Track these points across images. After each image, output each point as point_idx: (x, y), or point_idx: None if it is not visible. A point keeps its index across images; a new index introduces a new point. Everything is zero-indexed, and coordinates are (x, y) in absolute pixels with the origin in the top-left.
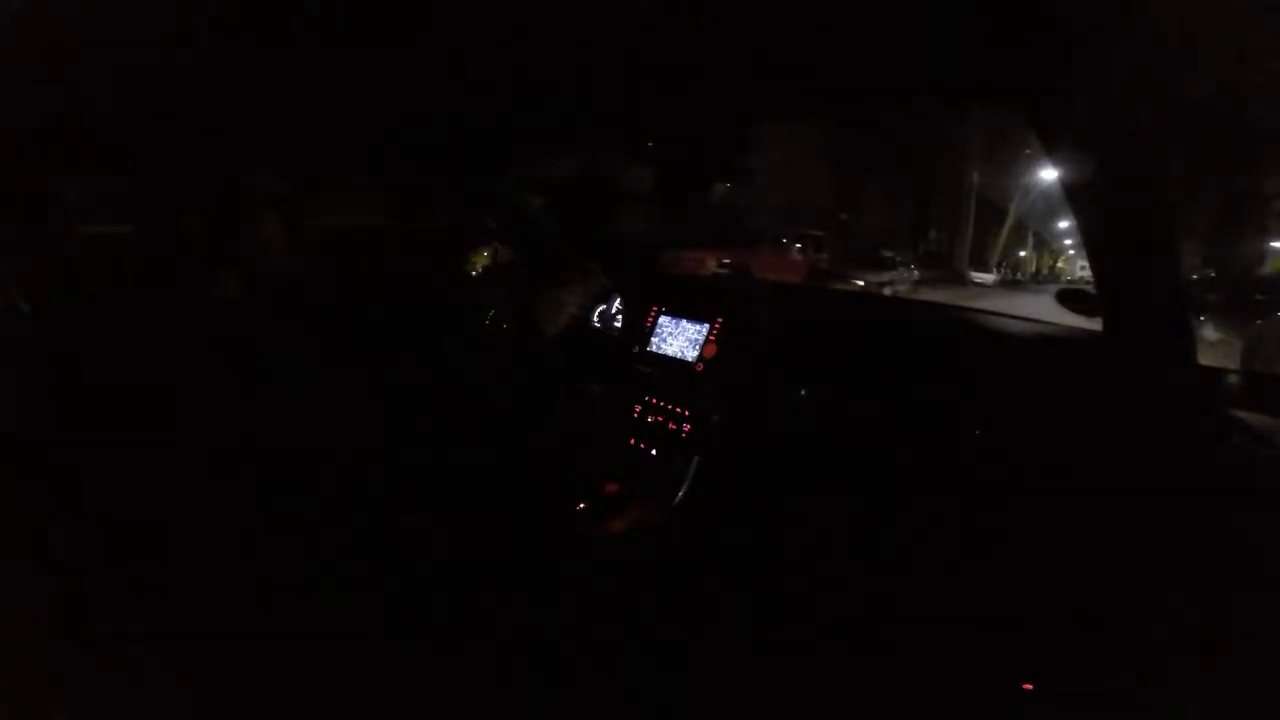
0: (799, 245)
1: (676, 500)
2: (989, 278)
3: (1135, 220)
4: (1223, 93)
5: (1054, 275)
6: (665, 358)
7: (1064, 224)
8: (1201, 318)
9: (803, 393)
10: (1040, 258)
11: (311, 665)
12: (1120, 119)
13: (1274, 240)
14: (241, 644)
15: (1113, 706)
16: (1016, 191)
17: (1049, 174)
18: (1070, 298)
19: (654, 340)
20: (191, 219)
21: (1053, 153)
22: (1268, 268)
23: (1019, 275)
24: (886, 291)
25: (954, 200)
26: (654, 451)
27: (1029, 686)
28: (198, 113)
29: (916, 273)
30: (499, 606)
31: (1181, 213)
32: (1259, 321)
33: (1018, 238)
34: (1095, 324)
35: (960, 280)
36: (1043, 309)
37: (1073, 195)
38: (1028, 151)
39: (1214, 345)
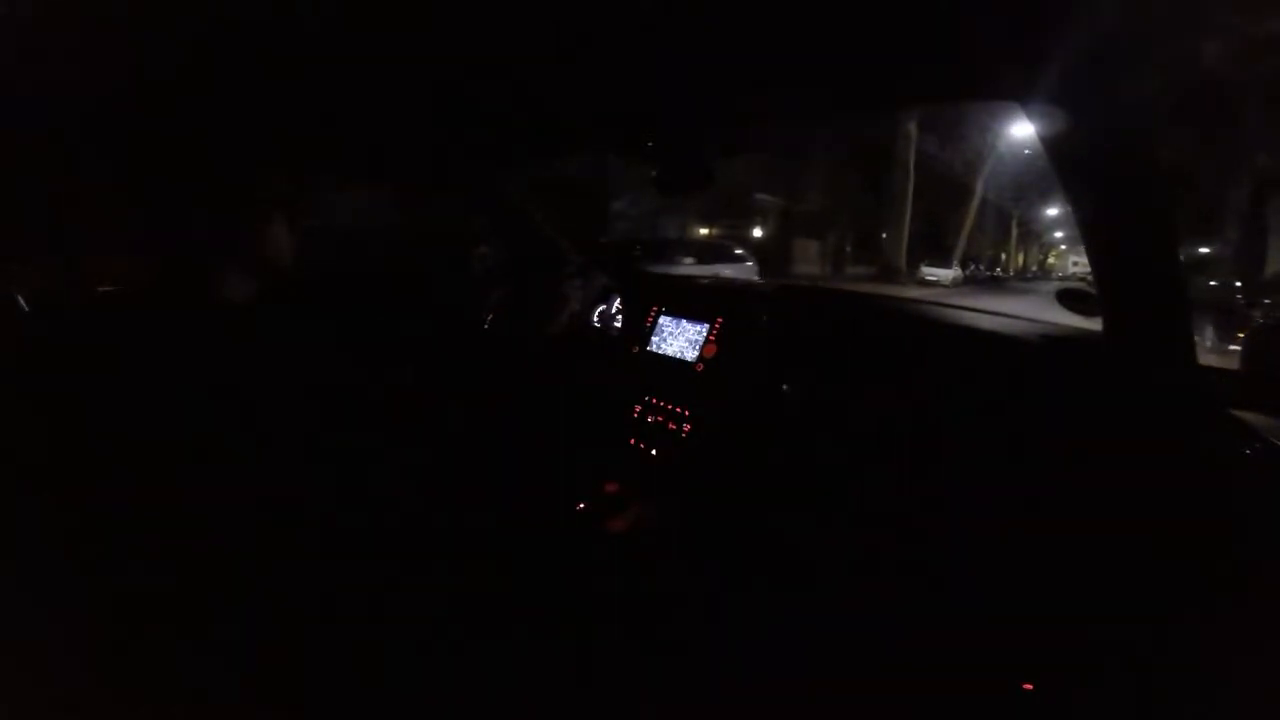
0: None
1: (676, 500)
2: (946, 274)
3: (1135, 219)
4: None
5: (1045, 271)
6: (665, 358)
7: (1053, 212)
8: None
9: (785, 388)
10: (1028, 251)
11: (309, 665)
12: (1120, 116)
13: None
14: (239, 644)
15: (1113, 706)
16: (985, 163)
17: (1021, 130)
18: (1070, 298)
19: (654, 340)
20: (196, 219)
21: (1051, 150)
22: (1272, 267)
23: (998, 271)
24: None
25: (893, 172)
26: (654, 451)
27: (1029, 686)
28: (200, 112)
29: (752, 265)
30: (498, 606)
31: (1210, 194)
32: (1260, 321)
33: (998, 228)
34: (1095, 324)
35: (894, 277)
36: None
37: (1072, 193)
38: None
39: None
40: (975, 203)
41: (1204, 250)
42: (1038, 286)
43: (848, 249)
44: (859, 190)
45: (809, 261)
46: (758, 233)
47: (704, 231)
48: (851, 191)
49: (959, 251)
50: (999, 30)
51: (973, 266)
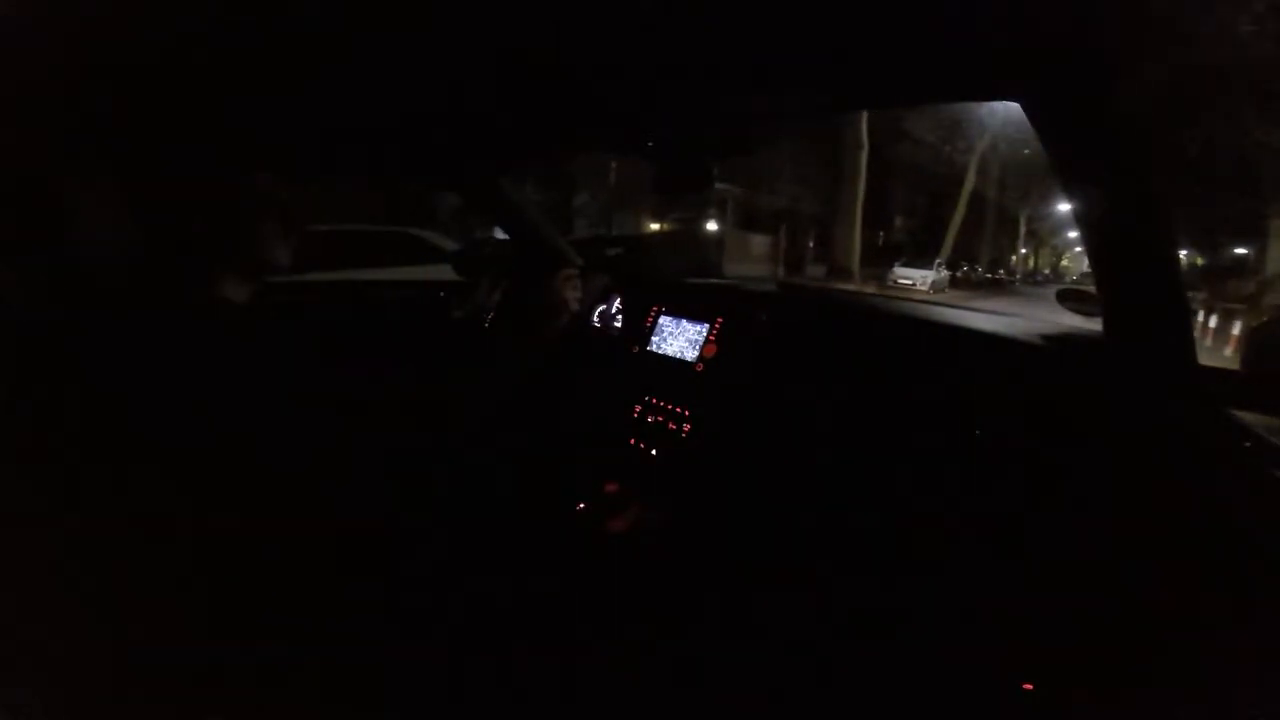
0: None
1: (676, 500)
2: (924, 276)
3: (1135, 219)
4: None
5: (1057, 274)
6: (665, 358)
7: (1064, 207)
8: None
9: (784, 389)
10: (1038, 252)
11: (310, 666)
12: (1120, 115)
13: None
14: (240, 647)
15: (1113, 706)
16: (976, 151)
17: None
18: (1070, 298)
19: (654, 340)
20: (192, 220)
21: (1051, 149)
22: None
23: (1000, 273)
24: None
25: (842, 154)
26: (654, 451)
27: (1029, 686)
28: (197, 112)
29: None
30: (498, 606)
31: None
32: (1264, 319)
33: (1002, 226)
34: (1095, 324)
35: (844, 279)
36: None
37: (1072, 193)
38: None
39: None
40: (965, 193)
41: (1240, 251)
42: (1043, 291)
43: (810, 244)
44: (835, 180)
45: (752, 260)
46: (713, 226)
47: (654, 226)
48: (824, 181)
49: (946, 250)
50: (999, 30)
51: (965, 267)
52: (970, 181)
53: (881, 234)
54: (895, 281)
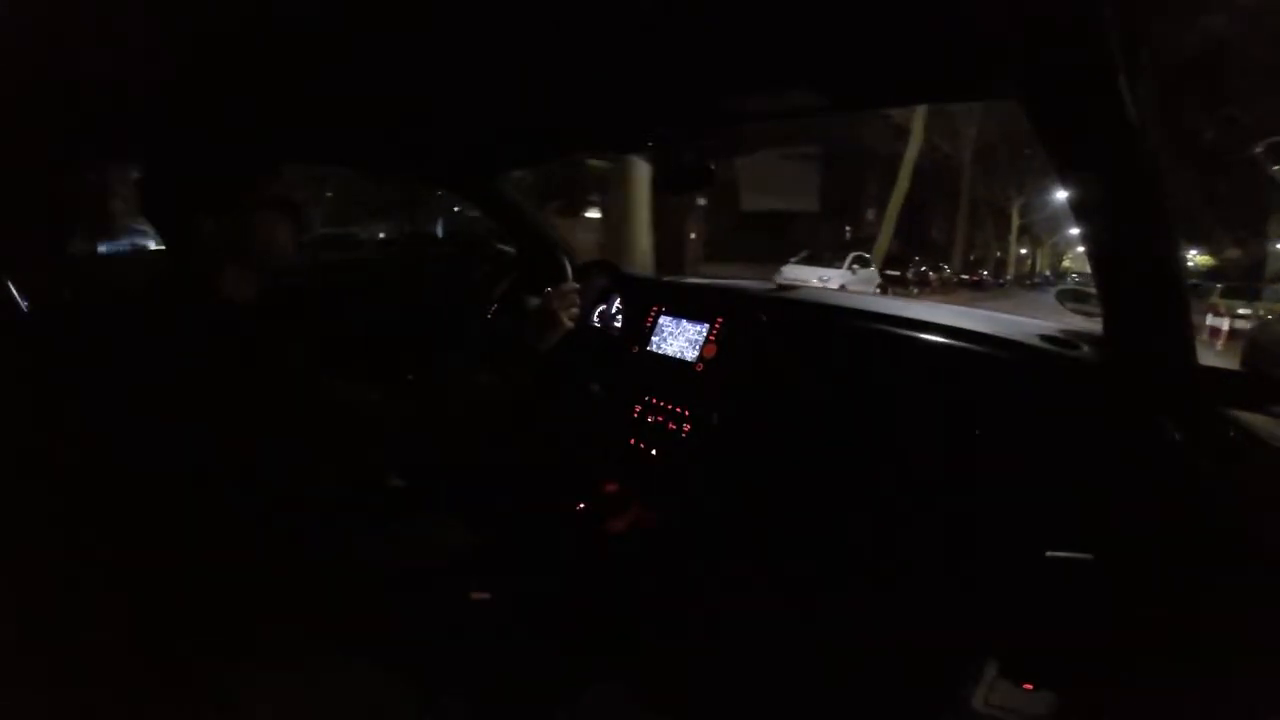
0: None
1: (676, 500)
2: (829, 278)
3: (1135, 219)
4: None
5: (1059, 275)
6: (665, 358)
7: (1061, 195)
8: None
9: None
10: (1036, 252)
11: (308, 666)
12: (1119, 114)
13: None
14: (240, 647)
15: (1113, 706)
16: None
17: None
18: (1070, 298)
19: (654, 340)
20: (199, 219)
21: (1049, 148)
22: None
23: (981, 274)
24: None
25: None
26: (654, 451)
27: (1029, 687)
28: (202, 112)
29: None
30: (496, 605)
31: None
32: (1269, 318)
33: (986, 221)
34: (1095, 324)
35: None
36: None
37: (1071, 193)
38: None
39: None
40: (909, 162)
41: None
42: (1036, 296)
43: (691, 236)
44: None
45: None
46: (594, 214)
47: None
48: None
49: (883, 242)
50: (997, 30)
51: (922, 266)
52: (914, 148)
53: (849, 228)
54: (780, 280)
